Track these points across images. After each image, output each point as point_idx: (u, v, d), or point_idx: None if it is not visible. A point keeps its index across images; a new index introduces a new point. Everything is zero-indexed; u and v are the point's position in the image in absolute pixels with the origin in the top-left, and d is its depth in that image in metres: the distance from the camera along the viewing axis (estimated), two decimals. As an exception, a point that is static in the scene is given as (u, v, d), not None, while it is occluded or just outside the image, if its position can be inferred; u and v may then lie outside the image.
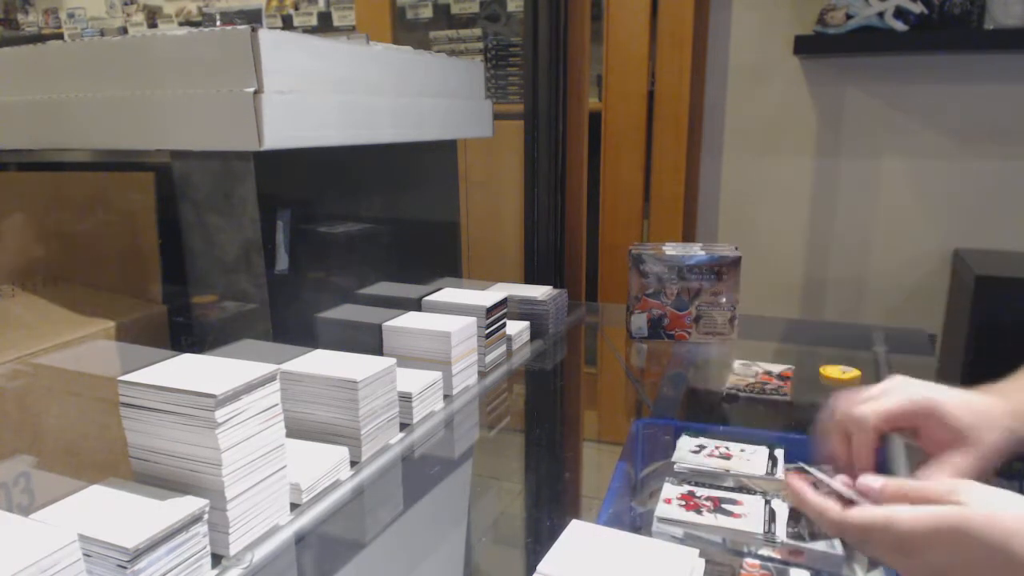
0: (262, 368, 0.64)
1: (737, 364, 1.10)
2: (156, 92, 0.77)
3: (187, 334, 0.88)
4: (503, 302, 1.10)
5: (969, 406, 0.57)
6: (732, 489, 0.70)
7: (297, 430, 0.80)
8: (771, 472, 0.73)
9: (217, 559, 0.61)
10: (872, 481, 0.54)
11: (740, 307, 1.19)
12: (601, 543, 0.55)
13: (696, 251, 1.19)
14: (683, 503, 0.68)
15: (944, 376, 1.31)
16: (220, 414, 0.59)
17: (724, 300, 1.18)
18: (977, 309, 1.51)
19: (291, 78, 0.77)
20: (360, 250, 1.01)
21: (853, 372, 1.04)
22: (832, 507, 0.54)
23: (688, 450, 0.78)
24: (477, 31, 2.61)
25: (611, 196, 2.00)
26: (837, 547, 0.62)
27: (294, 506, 0.69)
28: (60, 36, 3.82)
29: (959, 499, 0.47)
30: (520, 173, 1.55)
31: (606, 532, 0.56)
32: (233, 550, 0.62)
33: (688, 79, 1.87)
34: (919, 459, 0.60)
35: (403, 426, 0.87)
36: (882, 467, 0.59)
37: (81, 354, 0.78)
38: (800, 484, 0.57)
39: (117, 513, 0.56)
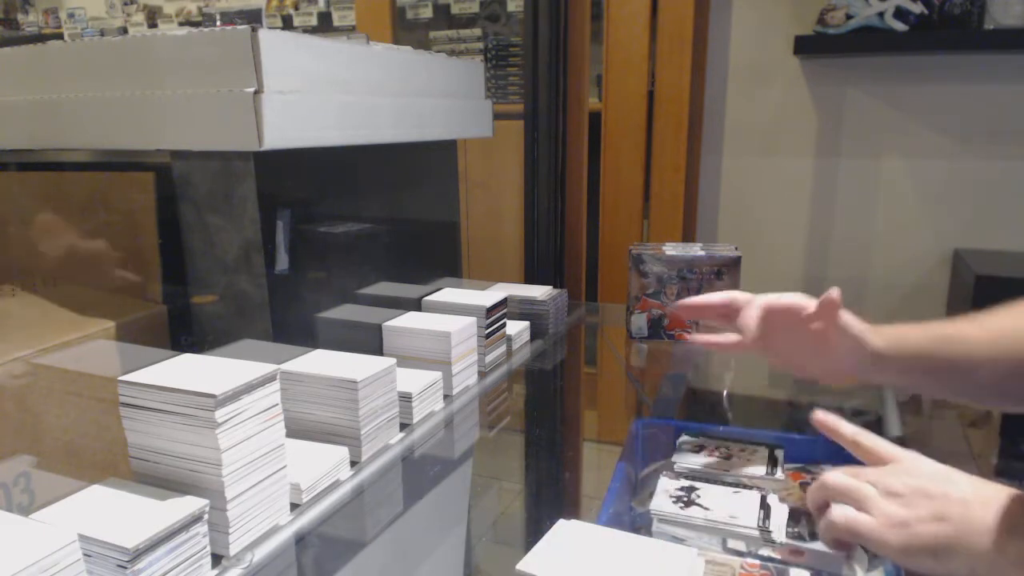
0: (262, 368, 0.64)
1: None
2: (156, 92, 0.77)
3: (187, 334, 0.88)
4: (503, 302, 1.10)
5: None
6: (728, 485, 0.70)
7: (297, 430, 0.80)
8: (771, 472, 0.72)
9: (217, 559, 0.61)
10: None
11: (740, 307, 1.19)
12: (599, 543, 0.55)
13: (696, 251, 1.19)
14: (678, 499, 0.68)
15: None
16: (220, 414, 0.59)
17: (724, 300, 1.18)
18: (977, 309, 1.51)
19: (291, 78, 0.77)
20: (360, 250, 1.01)
21: (853, 372, 1.03)
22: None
23: (688, 450, 0.78)
24: (477, 31, 2.62)
25: (611, 196, 2.00)
26: (837, 547, 0.62)
27: (294, 506, 0.69)
28: (60, 36, 3.82)
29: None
30: (520, 173, 1.54)
31: (605, 532, 0.56)
32: (233, 550, 0.62)
33: (688, 79, 1.87)
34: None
35: (403, 426, 0.87)
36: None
37: (81, 354, 0.78)
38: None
39: (117, 513, 0.56)
